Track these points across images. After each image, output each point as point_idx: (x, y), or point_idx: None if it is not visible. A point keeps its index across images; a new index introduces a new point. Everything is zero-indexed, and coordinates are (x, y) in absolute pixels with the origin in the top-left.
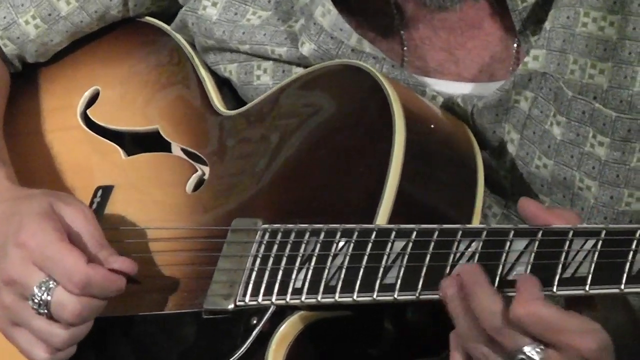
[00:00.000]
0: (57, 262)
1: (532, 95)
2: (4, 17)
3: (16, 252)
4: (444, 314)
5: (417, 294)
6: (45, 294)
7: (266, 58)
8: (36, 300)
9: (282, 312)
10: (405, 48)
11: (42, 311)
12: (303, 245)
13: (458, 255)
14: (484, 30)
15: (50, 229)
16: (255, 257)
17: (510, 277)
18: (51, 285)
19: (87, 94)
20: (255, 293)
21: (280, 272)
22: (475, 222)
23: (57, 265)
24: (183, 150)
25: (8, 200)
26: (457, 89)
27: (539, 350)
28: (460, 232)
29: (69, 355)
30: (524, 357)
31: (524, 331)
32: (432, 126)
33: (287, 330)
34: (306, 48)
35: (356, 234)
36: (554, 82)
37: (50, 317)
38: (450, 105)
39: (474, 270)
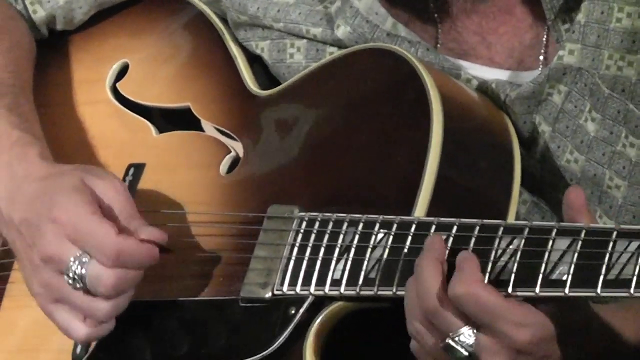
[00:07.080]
0: (88, 235)
1: (566, 89)
2: None
3: (50, 228)
4: None
5: None
6: (80, 267)
7: (300, 37)
8: (71, 275)
9: (320, 302)
10: (439, 30)
11: (78, 285)
12: (341, 236)
13: (500, 252)
14: (515, 17)
15: (81, 203)
16: (293, 245)
17: (553, 277)
18: (85, 259)
19: (116, 66)
20: (293, 282)
21: (319, 262)
22: (513, 210)
23: (88, 238)
24: (215, 129)
25: (40, 178)
26: (489, 74)
27: (471, 334)
28: (501, 229)
29: (107, 332)
30: (456, 339)
31: (459, 313)
32: (469, 112)
33: (325, 320)
34: (341, 31)
35: (395, 225)
36: (589, 78)
37: (87, 290)
38: (484, 90)
39: (433, 241)
